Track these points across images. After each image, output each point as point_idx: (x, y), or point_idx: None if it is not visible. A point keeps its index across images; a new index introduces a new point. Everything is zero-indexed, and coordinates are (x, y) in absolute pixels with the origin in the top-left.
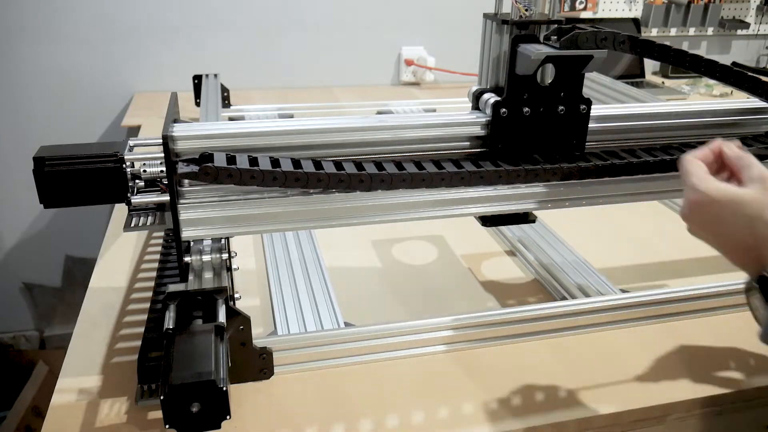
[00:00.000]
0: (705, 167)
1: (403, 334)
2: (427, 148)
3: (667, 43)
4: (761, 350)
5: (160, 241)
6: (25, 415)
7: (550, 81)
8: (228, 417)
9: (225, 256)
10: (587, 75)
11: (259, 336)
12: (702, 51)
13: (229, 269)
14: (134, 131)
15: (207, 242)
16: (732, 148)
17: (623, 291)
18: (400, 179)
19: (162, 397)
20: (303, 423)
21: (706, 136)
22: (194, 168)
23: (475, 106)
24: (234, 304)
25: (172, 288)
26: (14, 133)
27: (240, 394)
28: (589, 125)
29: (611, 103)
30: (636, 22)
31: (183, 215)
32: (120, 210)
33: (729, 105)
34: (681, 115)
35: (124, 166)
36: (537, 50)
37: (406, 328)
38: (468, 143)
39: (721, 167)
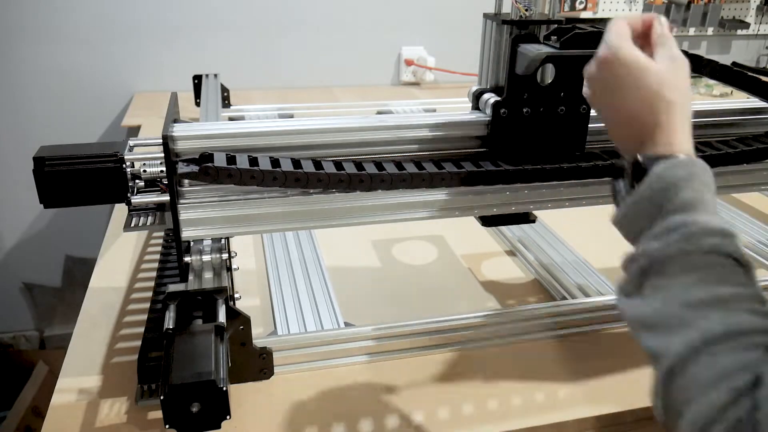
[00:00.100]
0: (629, 31)
1: (402, 335)
2: (427, 148)
3: None
4: None
5: (160, 241)
6: (25, 415)
7: (550, 81)
8: (228, 417)
9: (225, 256)
10: None
11: (259, 336)
12: (702, 51)
13: (229, 269)
14: (134, 131)
15: (207, 242)
16: (662, 26)
17: None
18: (400, 179)
19: (162, 397)
20: (303, 423)
21: (706, 136)
22: (194, 168)
23: (475, 106)
24: (234, 304)
25: (172, 288)
26: (14, 133)
27: (240, 394)
28: (589, 125)
29: None
30: None
31: (183, 215)
32: (120, 210)
33: (729, 105)
34: None
35: (124, 166)
36: (537, 50)
37: (405, 328)
38: (468, 143)
39: (647, 44)
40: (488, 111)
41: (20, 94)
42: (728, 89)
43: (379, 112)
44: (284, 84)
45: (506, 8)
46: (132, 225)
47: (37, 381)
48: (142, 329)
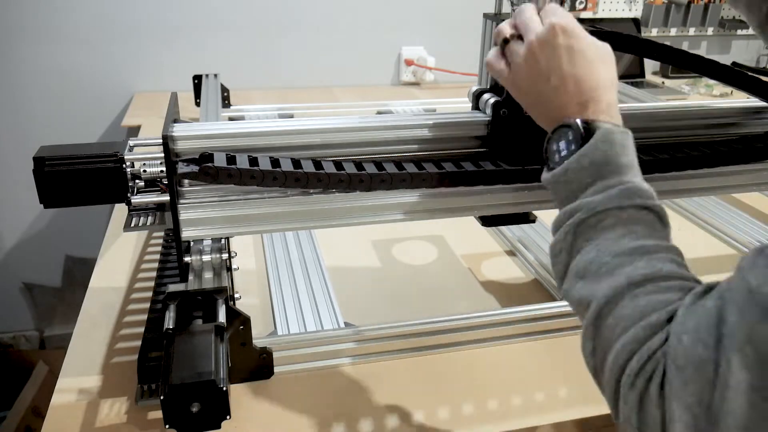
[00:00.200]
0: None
1: (402, 335)
2: (427, 148)
3: (667, 43)
4: None
5: (160, 241)
6: (25, 415)
7: None
8: (228, 417)
9: (225, 256)
10: None
11: (259, 336)
12: (702, 51)
13: (229, 269)
14: (134, 131)
15: (207, 242)
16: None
17: None
18: (400, 179)
19: (162, 397)
20: (303, 423)
21: (706, 136)
22: (194, 168)
23: (475, 106)
24: (234, 304)
25: (172, 288)
26: (14, 133)
27: (240, 394)
28: None
29: None
30: (636, 22)
31: (183, 215)
32: (120, 210)
33: (729, 105)
34: (681, 115)
35: (124, 166)
36: None
37: (405, 328)
38: (468, 143)
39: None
40: (488, 111)
41: (20, 94)
42: (728, 89)
43: (379, 112)
44: (284, 84)
45: (506, 8)
46: (132, 225)
47: (37, 381)
48: (142, 329)
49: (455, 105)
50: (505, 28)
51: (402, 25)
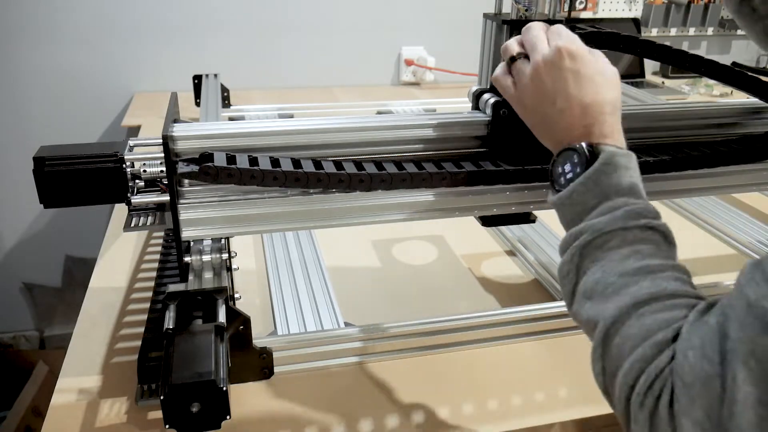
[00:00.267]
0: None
1: (402, 335)
2: (427, 148)
3: (667, 43)
4: None
5: (160, 241)
6: (25, 415)
7: None
8: (228, 417)
9: (225, 256)
10: None
11: (259, 336)
12: (702, 51)
13: (229, 269)
14: (134, 131)
15: (207, 242)
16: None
17: None
18: (400, 179)
19: (162, 397)
20: (303, 423)
21: (706, 136)
22: (194, 168)
23: (475, 106)
24: (234, 304)
25: (172, 288)
26: (14, 133)
27: (240, 394)
28: None
29: None
30: (636, 22)
31: (183, 215)
32: (120, 210)
33: (729, 105)
34: (681, 115)
35: (124, 166)
36: None
37: (405, 328)
38: (468, 143)
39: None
40: (488, 111)
41: (20, 94)
42: (728, 89)
43: (379, 112)
44: (284, 84)
45: (506, 8)
46: (132, 225)
47: (37, 381)
48: (142, 329)
49: (455, 105)
50: (513, 46)
51: (402, 25)
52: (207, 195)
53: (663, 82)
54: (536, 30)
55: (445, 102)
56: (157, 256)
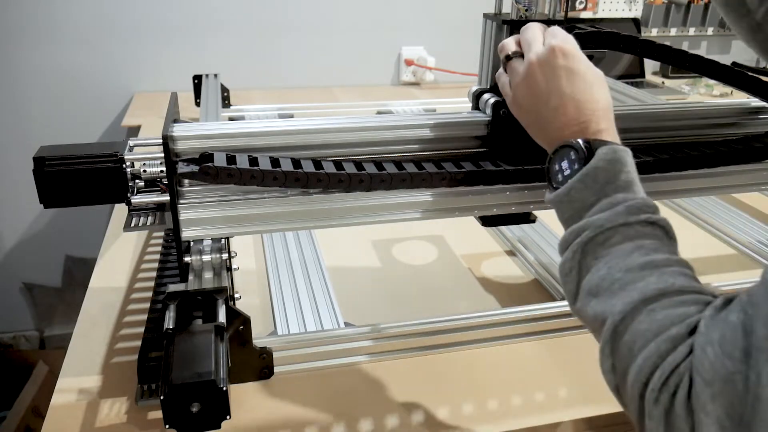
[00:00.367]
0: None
1: (402, 335)
2: (427, 148)
3: (667, 43)
4: None
5: (160, 241)
6: (25, 415)
7: None
8: (228, 417)
9: (225, 256)
10: None
11: (259, 336)
12: (702, 51)
13: (229, 269)
14: (134, 131)
15: (207, 242)
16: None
17: None
18: (400, 179)
19: (162, 397)
20: (303, 423)
21: (706, 136)
22: (194, 168)
23: (475, 106)
24: (234, 304)
25: (172, 288)
26: (14, 133)
27: (240, 394)
28: None
29: None
30: (636, 22)
31: (183, 215)
32: (120, 210)
33: (729, 105)
34: (681, 115)
35: (124, 166)
36: None
37: (405, 328)
38: (468, 143)
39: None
40: (488, 111)
41: (20, 94)
42: (728, 89)
43: (379, 112)
44: (284, 84)
45: (506, 8)
46: (132, 225)
47: (37, 381)
48: (142, 329)
49: (455, 105)
50: (509, 45)
51: (402, 25)
52: (207, 195)
53: (663, 82)
54: (534, 30)
55: (445, 102)
56: (157, 256)
